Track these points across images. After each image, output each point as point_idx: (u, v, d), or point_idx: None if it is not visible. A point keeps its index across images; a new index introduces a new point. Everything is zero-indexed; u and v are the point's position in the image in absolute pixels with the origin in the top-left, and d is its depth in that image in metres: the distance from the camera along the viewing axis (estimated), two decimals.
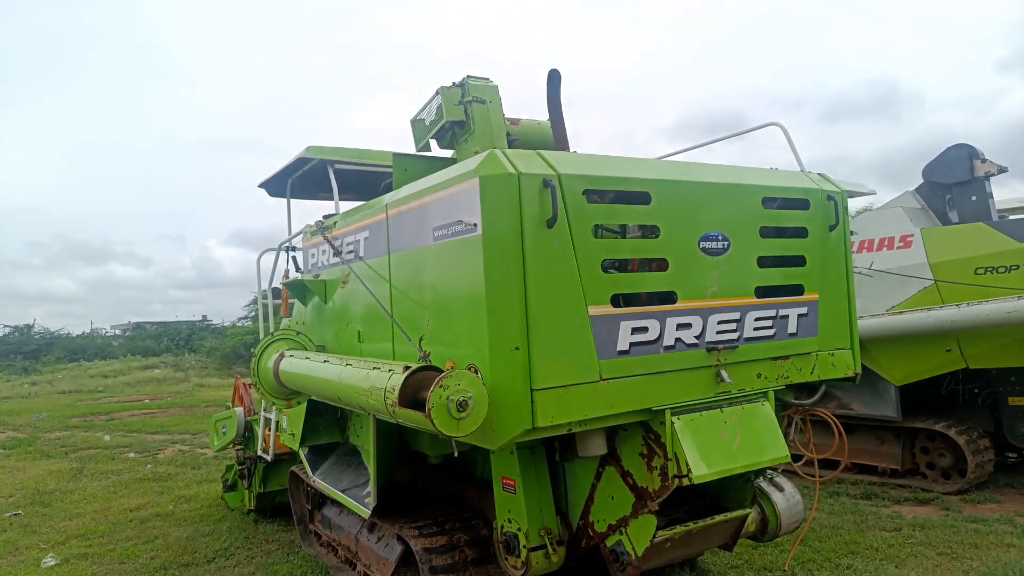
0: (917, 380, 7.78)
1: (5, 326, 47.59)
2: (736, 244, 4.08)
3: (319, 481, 5.70)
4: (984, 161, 7.69)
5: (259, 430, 6.93)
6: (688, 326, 3.85)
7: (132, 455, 12.09)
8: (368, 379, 3.59)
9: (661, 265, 3.84)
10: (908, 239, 7.73)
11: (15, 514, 8.35)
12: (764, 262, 4.22)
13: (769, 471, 4.84)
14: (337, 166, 5.76)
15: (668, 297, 3.84)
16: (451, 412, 3.05)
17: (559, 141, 4.40)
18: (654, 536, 3.92)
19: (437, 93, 4.75)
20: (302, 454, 6.03)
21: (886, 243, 7.91)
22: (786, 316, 4.27)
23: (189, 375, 29.91)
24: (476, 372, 3.28)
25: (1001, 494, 7.51)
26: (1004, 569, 5.15)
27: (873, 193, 10.04)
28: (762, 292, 4.21)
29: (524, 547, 4.22)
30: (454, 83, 4.77)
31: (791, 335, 4.29)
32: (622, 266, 3.84)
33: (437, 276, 3.80)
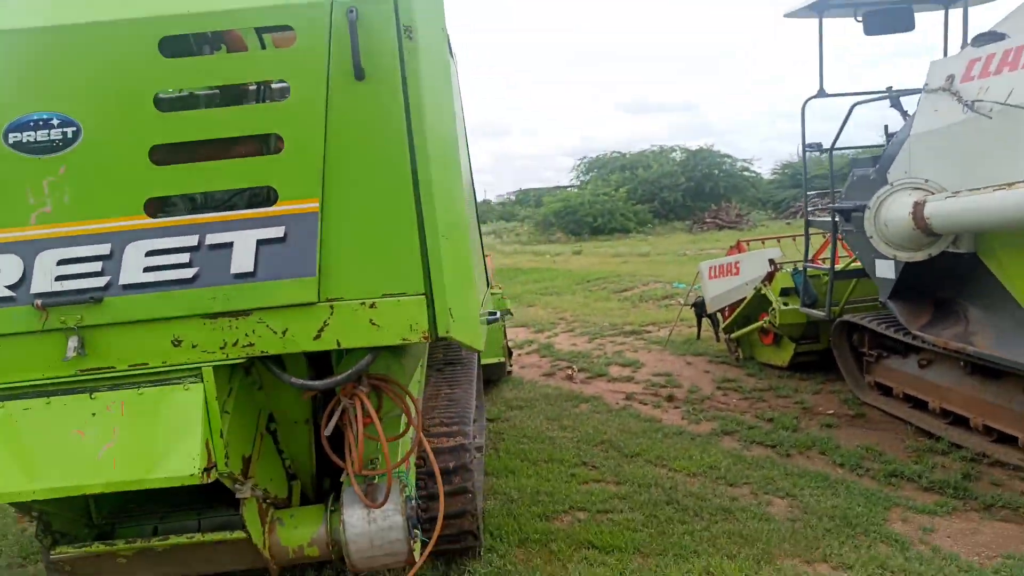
0: None
1: None
2: (95, 129, 2.44)
3: None
4: None
5: None
6: None
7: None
8: None
9: None
10: None
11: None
12: (168, 155, 2.47)
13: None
14: None
15: None
16: None
17: None
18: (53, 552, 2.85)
19: None
20: None
21: None
22: (225, 245, 2.49)
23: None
24: None
25: None
26: None
27: None
28: (164, 208, 2.51)
29: None
30: None
31: (241, 276, 2.50)
32: None
33: None
